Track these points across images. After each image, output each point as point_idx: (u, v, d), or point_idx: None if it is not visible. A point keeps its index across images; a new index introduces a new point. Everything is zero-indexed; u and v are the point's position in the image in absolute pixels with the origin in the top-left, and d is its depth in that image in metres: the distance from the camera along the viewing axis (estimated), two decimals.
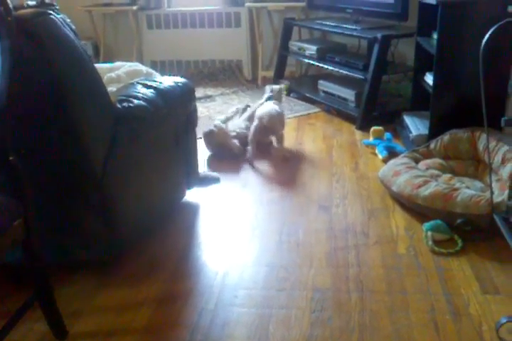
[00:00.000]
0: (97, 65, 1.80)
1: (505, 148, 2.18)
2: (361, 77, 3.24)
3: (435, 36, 2.59)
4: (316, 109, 3.65)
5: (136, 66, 2.22)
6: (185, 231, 2.12)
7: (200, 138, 2.41)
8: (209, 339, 1.51)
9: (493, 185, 2.10)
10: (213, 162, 2.83)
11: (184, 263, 1.89)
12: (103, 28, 4.65)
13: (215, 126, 2.85)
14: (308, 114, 3.58)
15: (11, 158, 1.31)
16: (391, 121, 3.20)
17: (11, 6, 1.24)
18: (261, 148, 2.84)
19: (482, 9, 2.36)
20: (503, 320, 1.45)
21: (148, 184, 1.95)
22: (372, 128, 2.94)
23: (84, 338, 1.54)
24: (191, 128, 2.25)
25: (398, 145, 2.84)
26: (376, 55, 3.14)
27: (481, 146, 2.34)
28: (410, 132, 2.83)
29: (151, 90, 1.93)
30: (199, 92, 4.03)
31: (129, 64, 2.24)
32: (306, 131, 3.24)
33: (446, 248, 1.89)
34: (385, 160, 2.62)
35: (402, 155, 2.50)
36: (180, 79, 2.13)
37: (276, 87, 3.19)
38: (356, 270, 1.80)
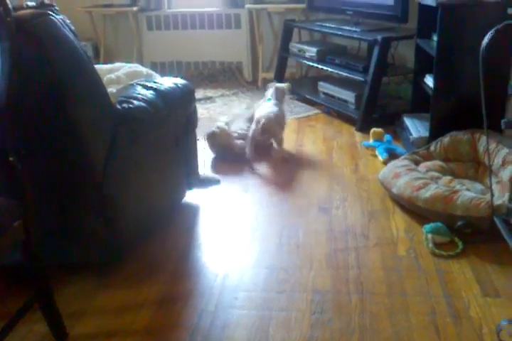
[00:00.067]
0: (96, 66, 1.80)
1: (505, 150, 2.18)
2: (361, 78, 3.24)
3: (435, 38, 2.59)
4: (316, 111, 3.65)
5: (136, 67, 2.22)
6: (185, 232, 2.11)
7: (198, 139, 2.41)
8: None
9: (494, 187, 2.09)
10: (216, 164, 2.82)
11: (184, 264, 1.89)
12: (103, 29, 4.65)
13: (218, 127, 2.85)
14: (309, 115, 3.58)
15: (10, 159, 1.31)
16: (391, 123, 3.19)
17: (10, 6, 1.24)
18: (261, 150, 2.84)
19: (482, 11, 2.36)
20: (504, 323, 1.44)
21: (148, 184, 1.95)
22: (373, 130, 2.94)
23: (84, 339, 1.53)
24: (191, 129, 2.26)
25: (398, 147, 2.83)
26: (376, 57, 3.14)
27: (481, 148, 2.34)
28: (410, 134, 2.83)
29: (151, 91, 1.93)
30: (199, 94, 4.03)
31: (129, 65, 2.24)
32: (306, 133, 3.24)
33: (446, 250, 1.88)
34: (385, 162, 2.62)
35: (403, 157, 2.50)
36: (180, 81, 2.13)
37: (280, 85, 3.08)
38: (356, 272, 1.80)
